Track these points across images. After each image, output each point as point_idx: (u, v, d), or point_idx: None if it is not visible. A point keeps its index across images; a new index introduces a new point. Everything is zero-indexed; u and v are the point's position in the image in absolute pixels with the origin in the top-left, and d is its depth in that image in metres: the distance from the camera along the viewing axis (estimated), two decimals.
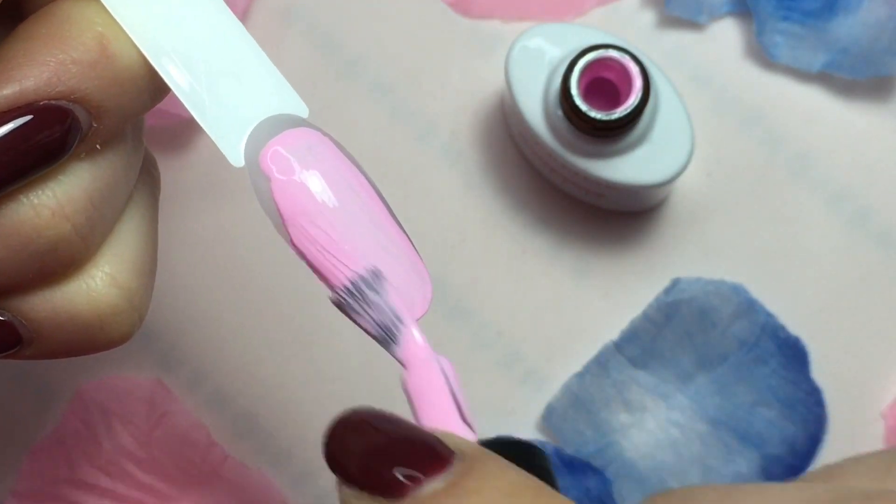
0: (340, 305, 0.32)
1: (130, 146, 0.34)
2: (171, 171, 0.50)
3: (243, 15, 0.51)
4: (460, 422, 0.31)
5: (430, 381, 0.32)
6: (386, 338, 0.32)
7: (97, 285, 0.33)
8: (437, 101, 0.51)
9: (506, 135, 0.51)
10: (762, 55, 0.51)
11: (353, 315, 0.32)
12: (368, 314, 0.32)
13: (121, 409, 0.48)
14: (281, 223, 0.32)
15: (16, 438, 0.49)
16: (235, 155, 0.32)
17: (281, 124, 0.32)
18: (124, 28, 0.32)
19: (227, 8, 0.33)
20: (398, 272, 0.32)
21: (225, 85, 0.32)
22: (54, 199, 0.32)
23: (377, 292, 0.32)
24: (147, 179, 0.35)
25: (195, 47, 0.32)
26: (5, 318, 0.33)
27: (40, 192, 0.32)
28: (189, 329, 0.50)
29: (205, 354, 0.50)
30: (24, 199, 0.31)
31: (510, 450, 0.30)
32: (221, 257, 0.50)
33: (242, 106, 0.32)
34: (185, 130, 0.50)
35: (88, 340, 0.34)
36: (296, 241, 0.32)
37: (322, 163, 0.32)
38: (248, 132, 0.32)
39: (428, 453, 0.29)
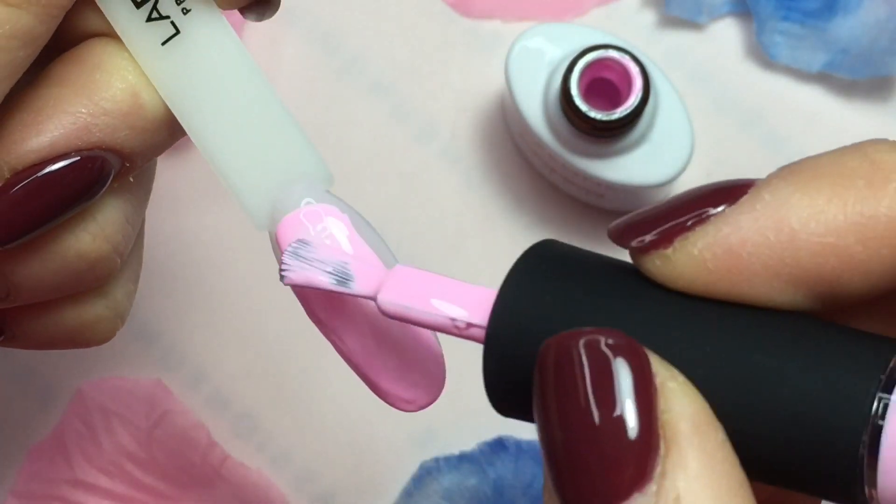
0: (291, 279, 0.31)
1: (153, 165, 0.35)
2: (171, 171, 0.50)
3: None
4: (468, 288, 0.29)
5: (411, 276, 0.29)
6: (344, 279, 0.30)
7: (84, 298, 0.34)
8: (437, 101, 0.51)
9: (506, 135, 0.51)
10: (762, 55, 0.51)
11: (310, 275, 0.30)
12: (320, 267, 0.30)
13: (121, 409, 0.48)
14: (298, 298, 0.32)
15: (16, 438, 0.49)
16: (258, 220, 0.33)
17: (301, 195, 0.32)
18: (152, 81, 0.32)
19: (256, 65, 0.33)
20: (401, 368, 0.32)
21: (250, 146, 0.32)
22: (95, 224, 0.33)
23: (311, 249, 0.31)
24: (143, 192, 0.36)
25: (221, 105, 0.32)
26: None
27: (82, 219, 0.32)
28: (189, 329, 0.50)
29: (205, 354, 0.50)
30: (67, 226, 0.32)
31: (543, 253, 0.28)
32: (221, 257, 0.50)
33: (266, 170, 0.32)
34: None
35: (70, 341, 0.35)
36: (311, 319, 0.32)
37: (329, 249, 0.31)
38: (272, 197, 0.32)
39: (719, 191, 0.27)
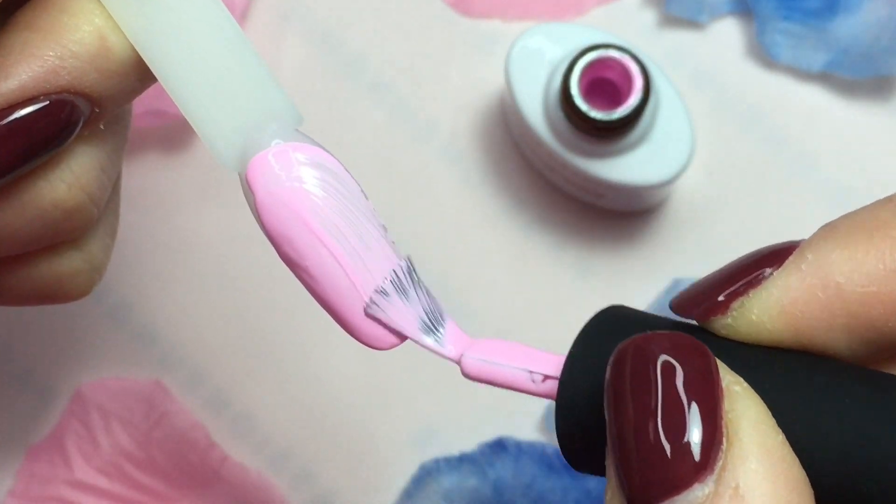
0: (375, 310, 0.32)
1: (127, 112, 0.35)
2: (170, 171, 0.50)
3: (243, 15, 0.50)
4: (542, 353, 0.31)
5: (486, 344, 0.32)
6: (430, 328, 0.31)
7: (59, 251, 0.34)
8: (437, 101, 0.51)
9: (506, 135, 0.51)
10: (763, 55, 0.51)
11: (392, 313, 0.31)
12: (408, 308, 0.32)
13: (120, 409, 0.48)
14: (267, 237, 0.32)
15: (15, 438, 0.49)
16: (228, 162, 0.32)
17: (271, 136, 0.32)
18: (119, 24, 0.32)
19: (225, 9, 0.33)
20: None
21: (218, 89, 0.32)
22: (70, 173, 0.33)
23: (411, 285, 0.32)
24: (117, 140, 0.35)
25: (190, 49, 0.32)
26: None
27: (56, 166, 0.32)
28: (189, 329, 0.50)
29: (205, 354, 0.50)
30: (41, 174, 0.32)
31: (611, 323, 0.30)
32: (221, 257, 0.50)
33: (236, 112, 0.32)
34: (184, 130, 0.50)
35: (47, 296, 0.35)
36: (282, 258, 0.32)
37: (304, 182, 0.31)
38: (242, 140, 0.32)
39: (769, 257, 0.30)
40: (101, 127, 0.33)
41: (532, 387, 0.31)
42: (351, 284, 0.31)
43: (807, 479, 0.27)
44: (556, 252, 0.50)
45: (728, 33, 0.51)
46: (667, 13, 0.51)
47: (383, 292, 0.31)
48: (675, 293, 0.49)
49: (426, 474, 0.48)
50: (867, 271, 0.28)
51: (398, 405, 0.49)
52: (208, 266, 0.50)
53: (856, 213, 0.30)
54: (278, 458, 0.49)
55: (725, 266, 0.30)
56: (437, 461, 0.48)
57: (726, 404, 0.27)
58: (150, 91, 0.34)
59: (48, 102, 0.31)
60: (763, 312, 0.29)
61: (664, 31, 0.51)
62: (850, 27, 0.49)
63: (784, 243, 0.30)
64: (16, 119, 0.31)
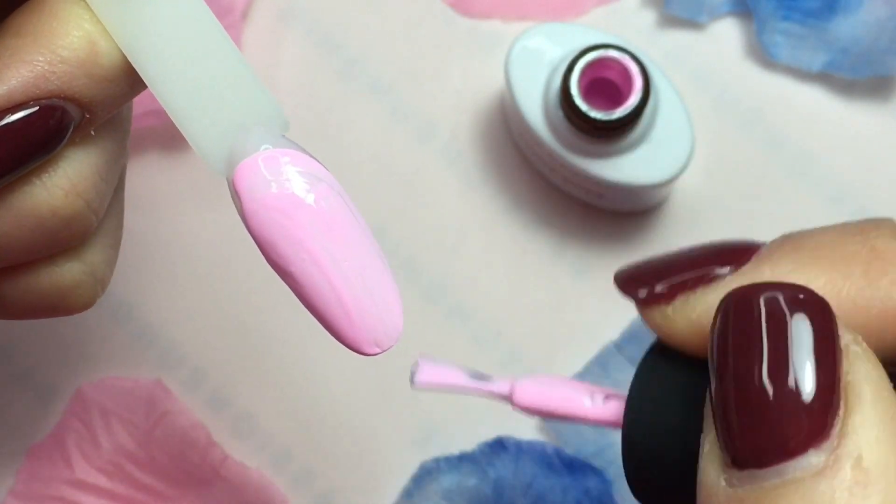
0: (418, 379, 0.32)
1: (126, 117, 0.35)
2: (169, 171, 0.50)
3: (243, 15, 0.50)
4: (589, 386, 0.30)
5: (532, 380, 0.31)
6: (480, 376, 0.31)
7: (61, 261, 0.34)
8: (437, 101, 0.51)
9: (506, 135, 0.51)
10: (762, 55, 0.51)
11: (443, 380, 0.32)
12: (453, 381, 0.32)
13: (120, 409, 0.48)
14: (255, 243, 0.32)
15: (16, 438, 0.49)
16: (215, 166, 0.32)
17: (257, 141, 0.32)
18: (108, 29, 0.32)
19: (211, 14, 0.33)
20: (365, 306, 0.32)
21: (207, 93, 0.32)
22: (66, 179, 0.32)
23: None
24: (115, 146, 0.35)
25: (178, 53, 0.32)
26: None
27: (52, 173, 0.32)
28: (189, 329, 0.50)
29: (205, 354, 0.50)
30: (38, 181, 0.32)
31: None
32: (221, 257, 0.50)
33: (223, 116, 0.32)
34: None
35: (50, 309, 0.35)
36: (269, 263, 0.32)
37: (290, 187, 0.31)
38: (228, 143, 0.32)
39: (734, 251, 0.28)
40: (92, 132, 0.33)
41: (591, 409, 0.30)
42: (334, 291, 0.31)
43: None
44: (555, 252, 0.50)
45: (728, 33, 0.51)
46: (666, 13, 0.51)
47: (422, 357, 0.32)
48: None
49: (426, 474, 0.48)
50: None
51: (398, 405, 0.49)
52: (208, 266, 0.50)
53: (823, 233, 0.28)
54: (279, 458, 0.49)
55: (680, 251, 0.29)
56: (437, 461, 0.48)
57: (846, 365, 0.25)
58: (151, 91, 0.34)
59: (38, 108, 0.31)
60: (705, 314, 0.27)
61: (664, 31, 0.51)
62: (849, 27, 0.49)
63: (743, 243, 0.28)
64: (5, 124, 0.31)
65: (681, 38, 0.51)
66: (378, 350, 0.32)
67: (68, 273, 0.34)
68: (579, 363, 0.49)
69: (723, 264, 0.27)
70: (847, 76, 0.50)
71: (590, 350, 0.49)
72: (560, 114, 0.46)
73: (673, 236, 0.50)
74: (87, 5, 0.32)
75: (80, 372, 0.49)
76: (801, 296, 0.25)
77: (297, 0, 0.51)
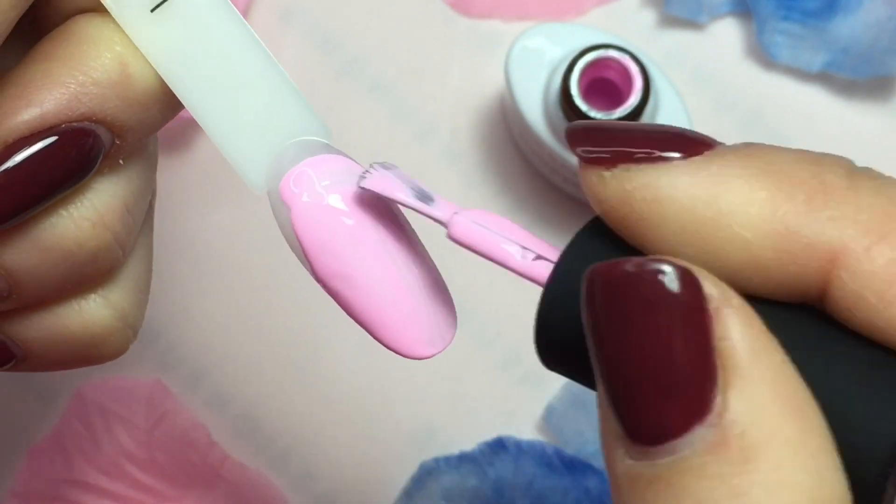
0: (368, 178, 0.30)
1: (153, 152, 0.34)
2: (170, 171, 0.50)
3: (243, 15, 0.50)
4: (527, 236, 0.29)
5: (481, 213, 0.29)
6: (424, 197, 0.30)
7: (90, 307, 0.34)
8: (437, 101, 0.51)
9: (506, 135, 0.51)
10: (762, 55, 0.51)
11: (391, 184, 0.30)
12: (401, 183, 0.31)
13: (120, 409, 0.48)
14: (302, 254, 0.31)
15: (16, 438, 0.49)
16: (256, 182, 0.32)
17: (302, 151, 0.32)
18: (141, 50, 0.31)
19: (249, 27, 0.32)
20: (423, 306, 0.31)
21: (245, 109, 0.32)
22: (93, 211, 0.32)
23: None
24: (143, 180, 0.35)
25: (214, 70, 0.32)
26: None
27: (79, 204, 0.32)
28: (189, 329, 0.50)
29: (205, 354, 0.50)
30: (65, 213, 0.32)
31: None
32: (221, 257, 0.50)
33: (263, 131, 0.32)
34: (185, 130, 0.50)
35: (82, 358, 0.34)
36: (320, 272, 0.31)
37: (341, 191, 0.31)
38: (270, 159, 0.32)
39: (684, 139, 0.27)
40: (121, 162, 0.32)
41: (519, 263, 0.29)
42: (396, 290, 0.31)
43: (812, 399, 0.24)
44: None
45: (728, 33, 0.51)
46: (666, 13, 0.51)
47: (380, 165, 0.31)
48: None
49: (426, 474, 0.48)
50: (752, 216, 0.26)
51: (398, 405, 0.49)
52: (209, 266, 0.50)
53: (780, 152, 0.27)
54: (279, 458, 0.49)
55: (638, 124, 0.28)
56: (437, 461, 0.48)
57: (718, 330, 0.24)
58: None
59: (70, 130, 0.31)
60: (638, 189, 0.26)
61: (664, 31, 0.51)
62: (849, 27, 0.49)
63: (702, 137, 0.27)
64: (39, 147, 0.30)
65: (681, 38, 0.51)
66: (434, 351, 0.31)
67: (98, 317, 0.34)
68: None
69: (675, 150, 0.27)
70: (847, 76, 0.50)
71: None
72: (560, 114, 0.46)
73: None
74: (118, 27, 0.31)
75: (80, 372, 0.49)
76: (664, 267, 0.24)
77: (297, 0, 0.51)
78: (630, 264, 0.25)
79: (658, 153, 0.27)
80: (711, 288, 0.25)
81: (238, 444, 0.49)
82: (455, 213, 0.29)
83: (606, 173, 0.27)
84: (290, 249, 0.32)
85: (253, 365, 0.49)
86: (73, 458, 0.48)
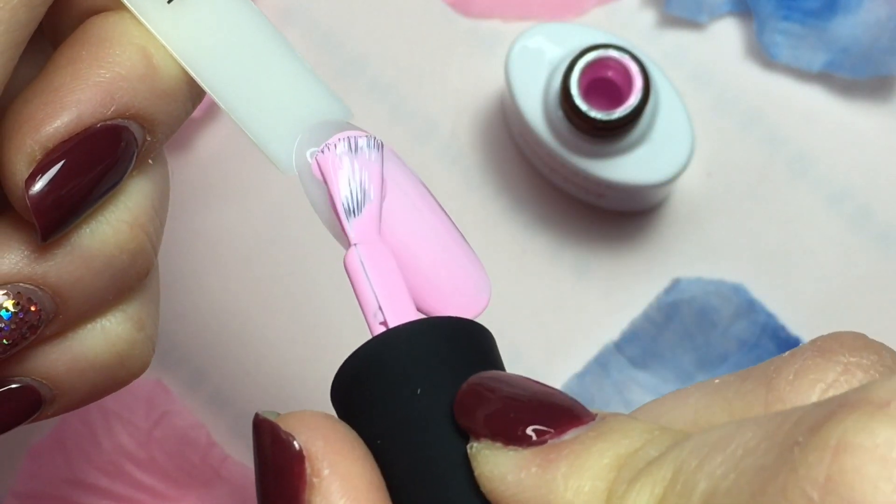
0: (323, 157, 0.31)
1: (164, 158, 0.34)
2: (171, 171, 0.50)
3: None
4: (409, 299, 0.30)
5: (382, 256, 0.30)
6: (352, 207, 0.30)
7: (111, 324, 0.33)
8: (437, 101, 0.51)
9: (506, 135, 0.51)
10: (762, 55, 0.51)
11: (333, 168, 0.31)
12: (348, 173, 0.31)
13: (120, 409, 0.48)
14: (340, 229, 0.31)
15: (16, 438, 0.49)
16: (286, 164, 0.32)
17: (328, 129, 0.32)
18: (162, 41, 0.31)
19: (263, 15, 0.32)
20: (456, 271, 0.32)
21: (268, 92, 0.32)
22: (128, 213, 0.32)
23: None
24: (164, 179, 0.35)
25: (234, 56, 0.32)
26: (23, 384, 0.32)
27: (114, 207, 0.32)
28: (189, 329, 0.50)
29: (205, 354, 0.50)
30: (102, 218, 0.31)
31: (453, 327, 0.29)
32: (221, 257, 0.50)
33: (287, 113, 0.32)
34: (185, 130, 0.50)
35: (111, 381, 0.34)
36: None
37: (373, 162, 0.31)
38: (297, 140, 0.32)
39: (566, 414, 0.28)
40: (150, 161, 0.32)
41: (370, 320, 0.30)
42: (454, 240, 0.32)
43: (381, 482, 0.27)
44: (555, 252, 0.50)
45: (728, 33, 0.51)
46: (667, 13, 0.51)
47: (342, 144, 0.31)
48: (674, 293, 0.49)
49: None
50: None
51: None
52: (209, 265, 0.50)
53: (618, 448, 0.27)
54: None
55: (528, 389, 0.28)
56: None
57: (308, 496, 0.27)
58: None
59: (107, 128, 0.30)
60: (493, 472, 0.27)
61: (664, 31, 0.51)
62: (849, 27, 0.49)
63: (580, 410, 0.27)
64: (79, 148, 0.30)
65: (681, 38, 0.51)
66: (488, 298, 0.32)
67: (121, 332, 0.33)
68: (579, 363, 0.49)
69: (542, 424, 0.27)
70: (847, 76, 0.50)
71: (590, 350, 0.49)
72: (560, 114, 0.46)
73: (673, 236, 0.50)
74: (136, 22, 0.31)
75: None
76: (278, 433, 0.28)
77: (297, 0, 0.51)
78: (257, 417, 0.28)
79: (520, 432, 0.27)
80: (315, 454, 0.28)
81: (238, 444, 0.49)
82: (357, 243, 0.30)
83: (473, 444, 0.27)
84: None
85: (253, 365, 0.49)
86: (73, 458, 0.48)
